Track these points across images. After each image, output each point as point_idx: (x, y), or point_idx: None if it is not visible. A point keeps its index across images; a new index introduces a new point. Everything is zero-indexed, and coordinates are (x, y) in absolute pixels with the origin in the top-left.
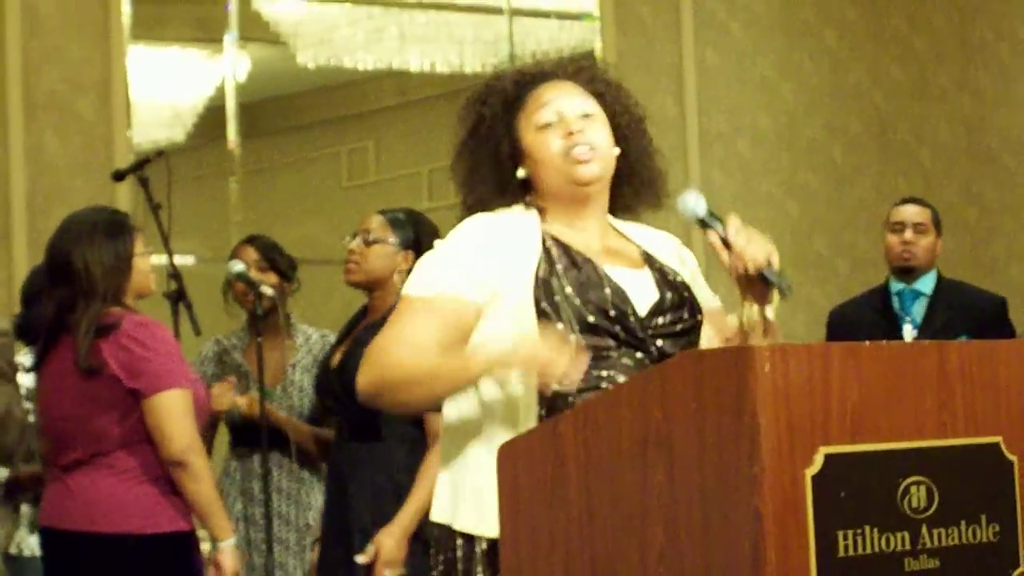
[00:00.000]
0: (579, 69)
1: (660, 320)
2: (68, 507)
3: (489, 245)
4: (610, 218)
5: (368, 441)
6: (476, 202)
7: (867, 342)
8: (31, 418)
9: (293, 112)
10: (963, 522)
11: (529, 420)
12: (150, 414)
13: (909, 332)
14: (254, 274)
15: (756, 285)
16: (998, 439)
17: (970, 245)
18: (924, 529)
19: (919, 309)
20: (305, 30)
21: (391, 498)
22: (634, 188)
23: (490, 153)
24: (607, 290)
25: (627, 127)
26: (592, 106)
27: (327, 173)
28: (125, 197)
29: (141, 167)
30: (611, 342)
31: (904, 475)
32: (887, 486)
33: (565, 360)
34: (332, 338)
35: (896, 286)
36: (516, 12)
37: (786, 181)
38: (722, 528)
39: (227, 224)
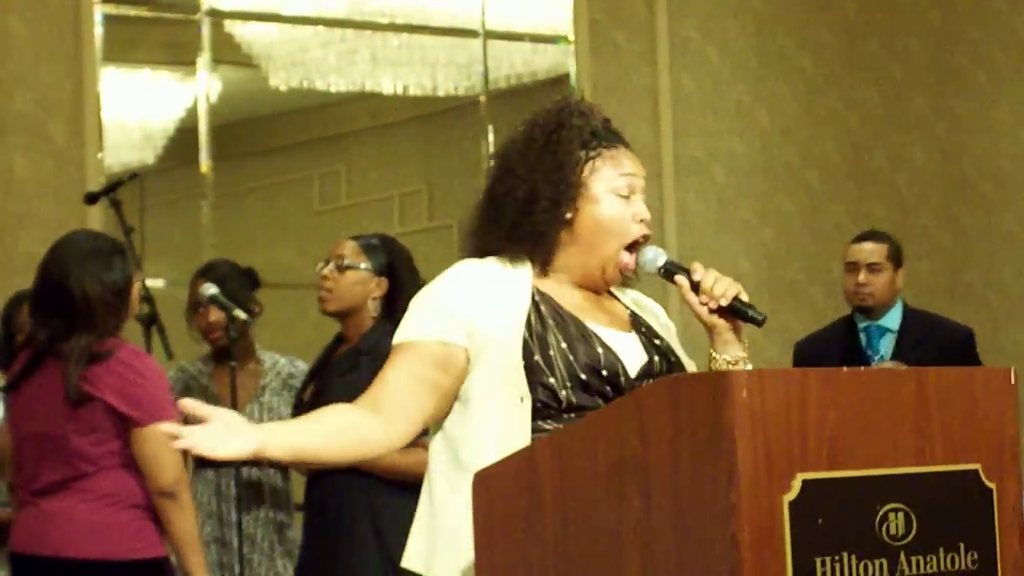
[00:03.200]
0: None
1: (648, 383)
2: (42, 532)
3: (478, 292)
4: None
5: (351, 472)
6: (497, 230)
7: (844, 368)
8: None
9: (265, 135)
10: (942, 549)
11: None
12: (144, 443)
13: None
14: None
15: (726, 326)
16: (977, 466)
17: (946, 271)
18: (902, 556)
19: (887, 345)
20: (277, 52)
21: (372, 541)
22: None
23: (552, 184)
24: (599, 349)
25: None
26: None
27: (299, 197)
28: (97, 220)
29: (114, 189)
30: (599, 401)
31: (882, 502)
32: (865, 513)
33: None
34: (300, 363)
35: (861, 322)
36: (490, 35)
37: (761, 207)
38: (699, 555)
39: (199, 247)
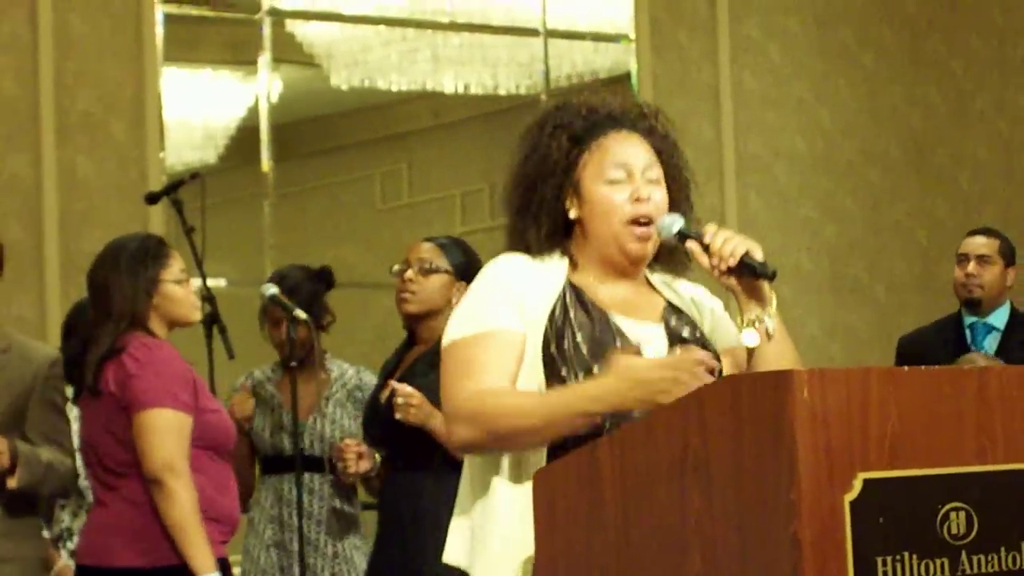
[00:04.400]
0: (642, 116)
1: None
2: (87, 542)
3: (518, 283)
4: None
5: (422, 470)
6: (521, 235)
7: (906, 367)
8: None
9: (326, 134)
10: (1003, 548)
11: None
12: (135, 431)
13: None
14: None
15: (744, 283)
16: None
17: None
18: (964, 556)
19: (991, 343)
20: (338, 51)
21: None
22: (668, 251)
23: (548, 186)
24: (618, 342)
25: (678, 191)
26: (657, 169)
27: (360, 196)
28: (158, 219)
29: (175, 189)
30: None
31: (943, 501)
32: (926, 512)
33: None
34: (367, 373)
35: (968, 319)
36: (551, 33)
37: (823, 205)
38: (760, 554)
39: (260, 247)
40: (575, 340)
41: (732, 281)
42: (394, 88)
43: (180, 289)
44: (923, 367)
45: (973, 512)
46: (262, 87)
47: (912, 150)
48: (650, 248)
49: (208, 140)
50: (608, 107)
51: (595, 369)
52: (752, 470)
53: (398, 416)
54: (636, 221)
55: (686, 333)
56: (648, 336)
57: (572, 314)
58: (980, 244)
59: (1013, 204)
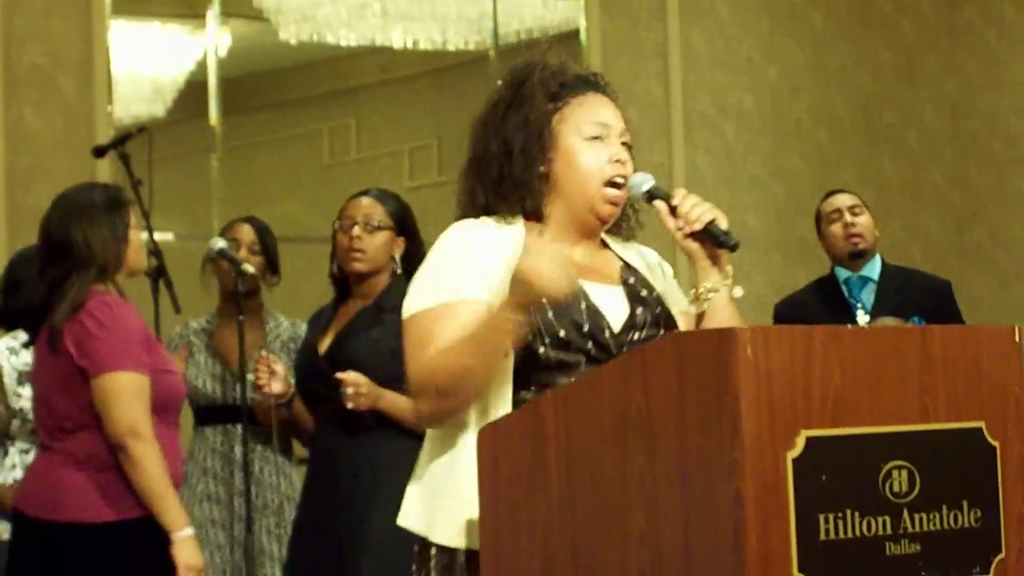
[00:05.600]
0: (607, 84)
1: (635, 336)
2: (31, 492)
3: (481, 249)
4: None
5: (356, 425)
6: (485, 195)
7: (849, 326)
8: (25, 403)
9: (275, 89)
10: (945, 507)
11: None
12: (95, 395)
13: (862, 318)
14: (243, 254)
15: (703, 252)
16: (980, 424)
17: (954, 229)
18: (906, 514)
19: (868, 295)
20: (287, 6)
21: (384, 490)
22: (620, 218)
23: (523, 140)
24: (581, 305)
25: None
26: (627, 135)
27: (308, 151)
28: (106, 173)
29: (122, 143)
30: (581, 357)
31: (886, 459)
32: (869, 470)
33: (559, 269)
34: (303, 326)
35: (843, 274)
36: None
37: (771, 163)
38: (703, 511)
39: (208, 201)
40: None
41: (694, 246)
42: (343, 43)
43: (136, 235)
44: (866, 326)
45: (915, 470)
46: (210, 41)
47: (859, 110)
48: (618, 213)
49: (156, 94)
50: (579, 72)
51: (561, 333)
52: (695, 428)
53: (349, 406)
54: (613, 183)
55: (644, 292)
56: (610, 299)
57: None
58: (846, 197)
59: (959, 165)
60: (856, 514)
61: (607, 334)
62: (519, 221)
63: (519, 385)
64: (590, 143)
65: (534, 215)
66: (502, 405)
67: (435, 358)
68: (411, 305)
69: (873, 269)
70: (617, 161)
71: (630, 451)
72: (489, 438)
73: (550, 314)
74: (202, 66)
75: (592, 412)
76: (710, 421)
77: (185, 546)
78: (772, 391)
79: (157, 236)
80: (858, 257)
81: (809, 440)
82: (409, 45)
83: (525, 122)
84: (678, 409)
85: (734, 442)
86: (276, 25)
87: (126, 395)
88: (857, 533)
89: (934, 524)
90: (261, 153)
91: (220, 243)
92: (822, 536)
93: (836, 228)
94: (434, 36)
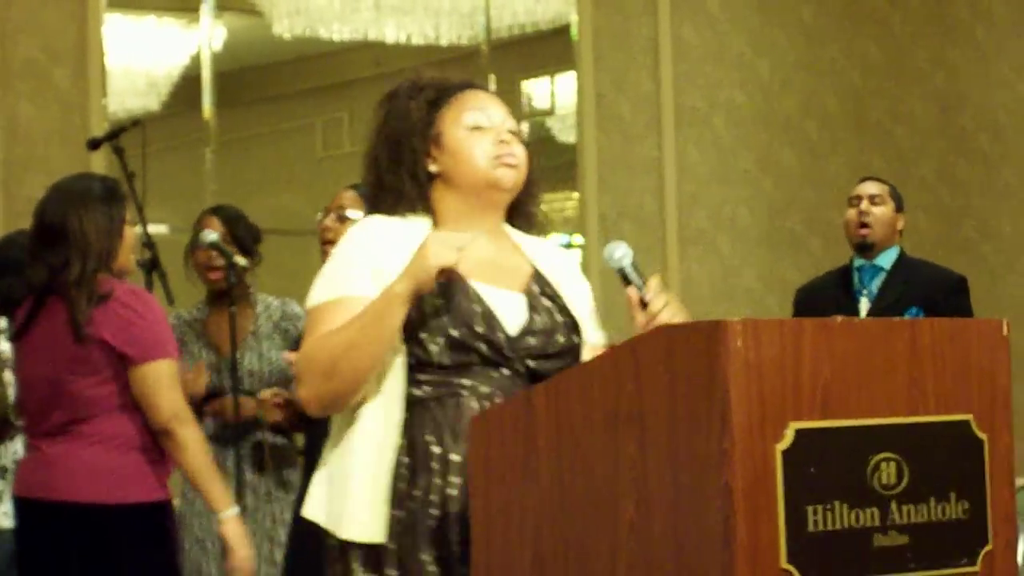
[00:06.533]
0: (488, 87)
1: (531, 341)
2: (44, 477)
3: (379, 246)
4: (510, 230)
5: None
6: (384, 195)
7: (839, 318)
8: (10, 388)
9: (268, 82)
10: (932, 499)
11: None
12: (139, 383)
13: (864, 306)
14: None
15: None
16: (968, 417)
17: (944, 223)
18: (893, 505)
19: (877, 284)
20: (281, 0)
21: None
22: (520, 212)
23: (409, 144)
24: (475, 307)
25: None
26: (513, 124)
27: (302, 144)
28: (100, 166)
29: (116, 136)
30: (474, 358)
31: (874, 451)
32: (857, 462)
33: (447, 244)
34: (294, 305)
35: (857, 261)
36: None
37: (761, 158)
38: (693, 502)
39: (201, 194)
40: (434, 303)
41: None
42: (336, 37)
43: (129, 231)
44: (856, 318)
45: (904, 463)
46: (205, 35)
47: (850, 104)
48: (518, 179)
49: (151, 87)
50: (456, 79)
51: (454, 333)
52: (685, 419)
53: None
54: (503, 163)
55: (547, 302)
56: (507, 303)
57: None
58: (872, 185)
59: (948, 159)
60: (844, 506)
61: (501, 337)
62: (427, 219)
63: (412, 382)
64: (471, 132)
65: (433, 219)
66: (394, 400)
67: (316, 341)
68: (309, 298)
69: (887, 259)
70: (501, 142)
71: (621, 442)
72: (480, 429)
73: (445, 315)
74: (196, 60)
75: (583, 403)
76: (700, 413)
77: (230, 525)
78: (762, 383)
79: (151, 228)
80: (864, 249)
81: (798, 432)
82: (402, 39)
83: (411, 131)
84: (668, 401)
85: (723, 434)
86: (270, 19)
87: (167, 382)
88: (845, 525)
89: (922, 516)
90: (255, 146)
91: (212, 236)
92: (810, 528)
93: (851, 214)
94: (427, 30)
